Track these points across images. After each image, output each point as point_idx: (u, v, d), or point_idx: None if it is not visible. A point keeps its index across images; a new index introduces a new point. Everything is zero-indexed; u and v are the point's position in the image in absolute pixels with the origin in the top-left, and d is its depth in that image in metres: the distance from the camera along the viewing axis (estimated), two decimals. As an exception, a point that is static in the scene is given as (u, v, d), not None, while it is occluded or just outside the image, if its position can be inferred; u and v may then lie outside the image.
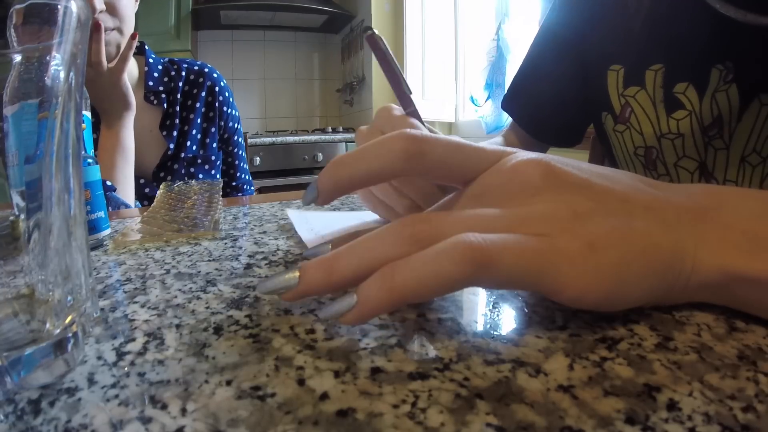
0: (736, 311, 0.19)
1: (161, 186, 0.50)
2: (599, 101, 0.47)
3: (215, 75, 0.81)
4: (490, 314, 0.20)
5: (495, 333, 0.18)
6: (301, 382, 0.15)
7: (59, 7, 0.15)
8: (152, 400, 0.14)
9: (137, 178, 0.70)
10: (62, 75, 0.16)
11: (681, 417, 0.13)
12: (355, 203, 0.49)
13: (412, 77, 2.27)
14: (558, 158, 0.21)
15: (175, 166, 0.74)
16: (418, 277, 0.16)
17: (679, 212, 0.19)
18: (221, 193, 0.49)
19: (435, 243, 0.17)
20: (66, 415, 0.14)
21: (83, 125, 0.35)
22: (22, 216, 0.16)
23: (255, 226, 0.40)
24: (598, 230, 0.18)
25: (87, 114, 0.36)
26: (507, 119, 1.92)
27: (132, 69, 0.72)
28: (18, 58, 0.15)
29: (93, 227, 0.35)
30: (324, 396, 0.14)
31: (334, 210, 0.47)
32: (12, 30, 0.15)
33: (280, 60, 2.70)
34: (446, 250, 0.16)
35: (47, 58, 0.15)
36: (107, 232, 0.36)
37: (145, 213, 0.42)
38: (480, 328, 0.19)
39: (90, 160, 0.35)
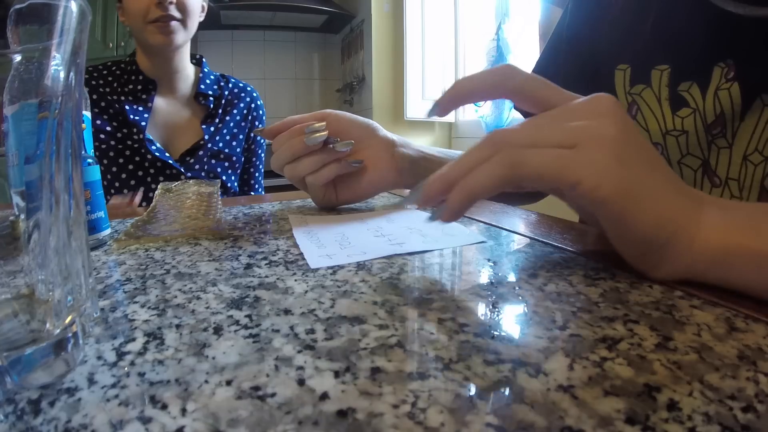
0: (737, 311, 0.19)
1: (159, 186, 0.50)
2: None
3: (255, 94, 0.97)
4: (490, 314, 0.20)
5: (495, 333, 0.18)
6: (301, 382, 0.15)
7: (59, 6, 0.15)
8: (152, 400, 0.14)
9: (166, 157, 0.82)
10: (62, 75, 0.16)
11: (681, 417, 0.13)
12: (357, 206, 0.49)
13: (412, 77, 2.27)
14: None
15: (200, 153, 0.85)
16: (480, 181, 0.23)
17: (689, 191, 0.23)
18: (221, 193, 0.49)
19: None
20: (66, 415, 0.14)
21: (83, 125, 0.35)
22: (22, 216, 0.16)
23: (255, 226, 0.40)
24: (629, 151, 0.21)
25: (87, 114, 0.36)
26: (507, 119, 1.92)
27: (189, 74, 0.89)
28: (18, 58, 0.15)
29: (93, 227, 0.35)
30: (324, 396, 0.14)
31: (335, 215, 0.47)
32: (10, 30, 0.15)
33: (280, 60, 2.70)
34: (496, 159, 0.23)
35: (47, 58, 0.15)
36: (107, 232, 0.36)
37: (145, 213, 0.42)
38: (480, 328, 0.19)
39: (90, 160, 0.35)
